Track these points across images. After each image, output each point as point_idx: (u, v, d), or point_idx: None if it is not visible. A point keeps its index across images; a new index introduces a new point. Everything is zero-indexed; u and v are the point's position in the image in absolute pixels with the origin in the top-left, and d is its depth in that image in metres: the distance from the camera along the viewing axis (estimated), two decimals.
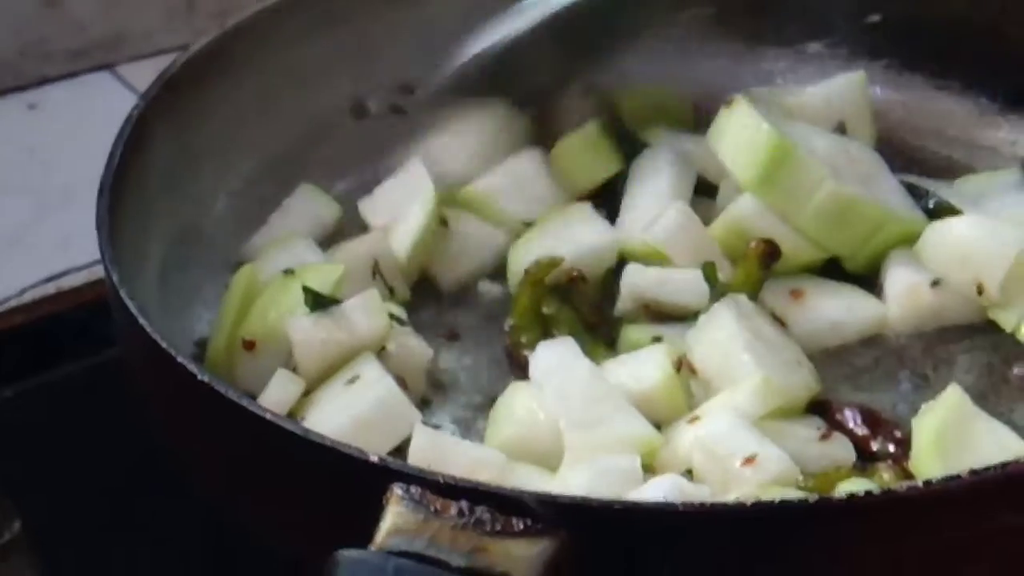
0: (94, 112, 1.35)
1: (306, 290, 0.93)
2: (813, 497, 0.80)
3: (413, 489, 0.74)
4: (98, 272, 1.00)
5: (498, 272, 1.05)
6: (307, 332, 0.93)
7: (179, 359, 0.81)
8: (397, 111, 1.13)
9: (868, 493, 0.75)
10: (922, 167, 1.10)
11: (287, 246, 1.03)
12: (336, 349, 0.92)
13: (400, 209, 1.05)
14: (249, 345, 0.94)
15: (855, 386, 0.96)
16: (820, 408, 0.93)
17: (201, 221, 1.04)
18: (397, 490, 0.74)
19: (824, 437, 0.91)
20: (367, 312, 0.94)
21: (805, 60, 1.18)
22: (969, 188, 1.07)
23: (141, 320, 0.83)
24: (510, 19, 1.15)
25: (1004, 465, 0.73)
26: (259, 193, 1.08)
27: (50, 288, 1.20)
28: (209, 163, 1.05)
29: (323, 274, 0.97)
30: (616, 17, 1.17)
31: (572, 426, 0.88)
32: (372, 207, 1.09)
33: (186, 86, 1.03)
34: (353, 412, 0.89)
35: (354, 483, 0.76)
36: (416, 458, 0.86)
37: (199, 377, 0.80)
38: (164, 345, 0.82)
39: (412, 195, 1.05)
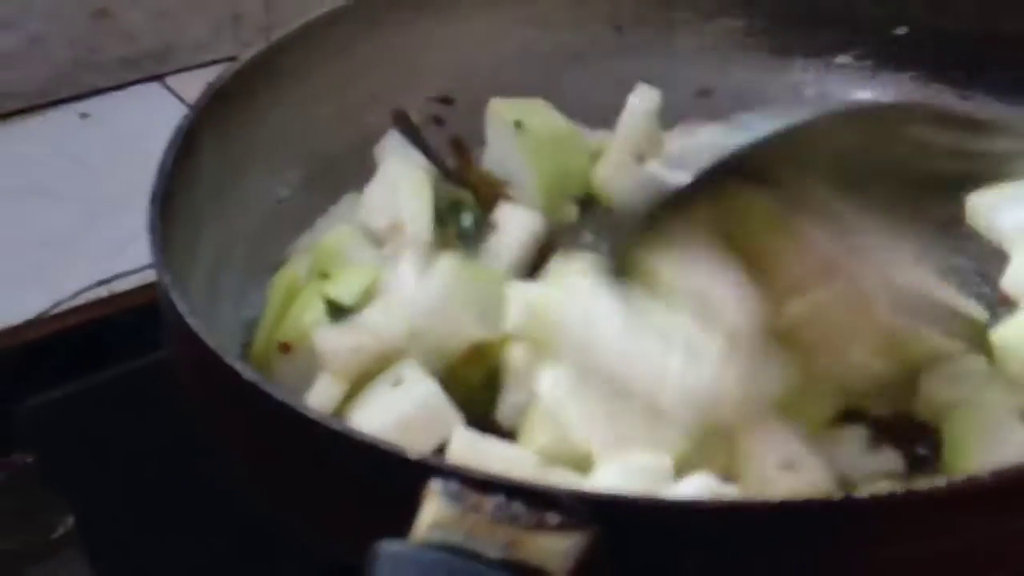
0: (144, 122, 1.38)
1: (327, 301, 0.96)
2: (840, 496, 0.81)
3: (451, 484, 0.75)
4: (148, 276, 1.05)
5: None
6: (332, 341, 0.94)
7: (224, 358, 0.84)
8: (438, 122, 1.16)
9: (891, 493, 0.76)
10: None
11: (332, 248, 1.04)
12: (362, 356, 0.94)
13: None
14: (285, 348, 0.96)
15: None
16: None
17: (249, 227, 1.07)
18: (435, 485, 0.75)
19: (872, 447, 0.91)
20: (387, 318, 0.96)
21: (833, 71, 1.21)
22: (984, 201, 1.06)
23: (190, 321, 0.86)
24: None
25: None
26: (306, 201, 1.11)
27: (102, 292, 1.24)
28: (257, 171, 1.08)
29: (354, 279, 0.99)
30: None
31: (602, 446, 0.89)
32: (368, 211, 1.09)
33: (234, 97, 1.06)
34: (395, 414, 0.91)
35: (394, 479, 0.78)
36: (454, 458, 0.88)
37: (243, 376, 0.83)
38: (211, 345, 0.85)
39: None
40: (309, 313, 0.97)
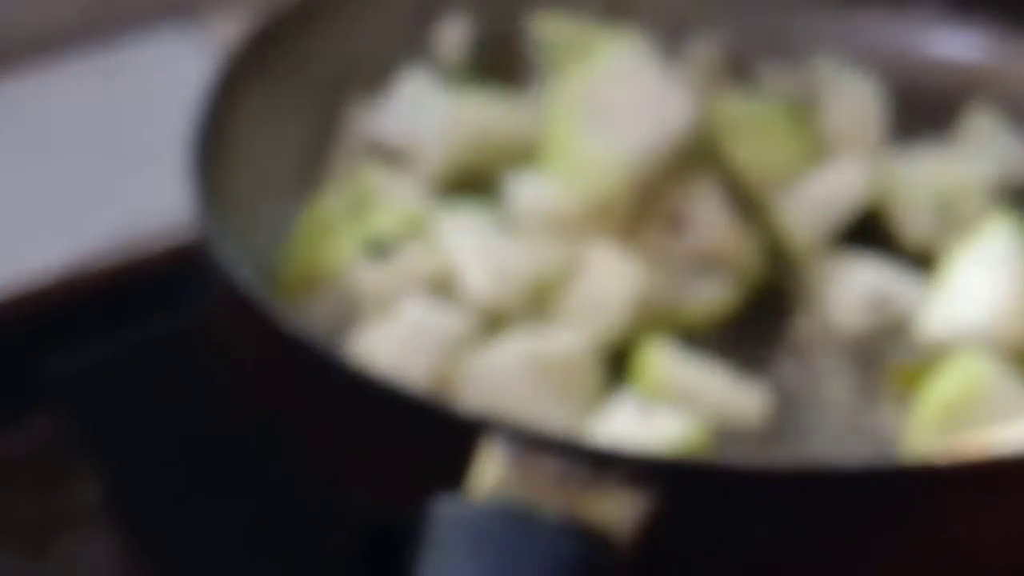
0: (176, 66, 1.35)
1: (366, 240, 0.92)
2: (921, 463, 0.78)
3: (512, 443, 0.73)
4: (178, 234, 1.00)
5: None
6: (366, 279, 0.92)
7: (271, 310, 0.81)
8: None
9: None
10: None
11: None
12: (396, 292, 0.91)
13: None
14: (314, 285, 0.94)
15: None
16: None
17: (292, 176, 1.02)
18: (495, 443, 0.73)
19: None
20: (426, 253, 0.93)
21: (919, 17, 1.11)
22: None
23: (237, 276, 0.83)
24: None
25: None
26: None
27: (129, 247, 1.20)
28: (305, 115, 1.03)
29: (389, 214, 0.96)
30: None
31: None
32: None
33: (275, 37, 1.01)
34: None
35: (449, 436, 0.75)
36: None
37: (289, 330, 0.80)
38: (261, 302, 0.82)
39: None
40: (343, 250, 0.94)
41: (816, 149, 1.00)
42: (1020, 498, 0.74)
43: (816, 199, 0.96)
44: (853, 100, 1.02)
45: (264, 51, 1.01)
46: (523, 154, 0.98)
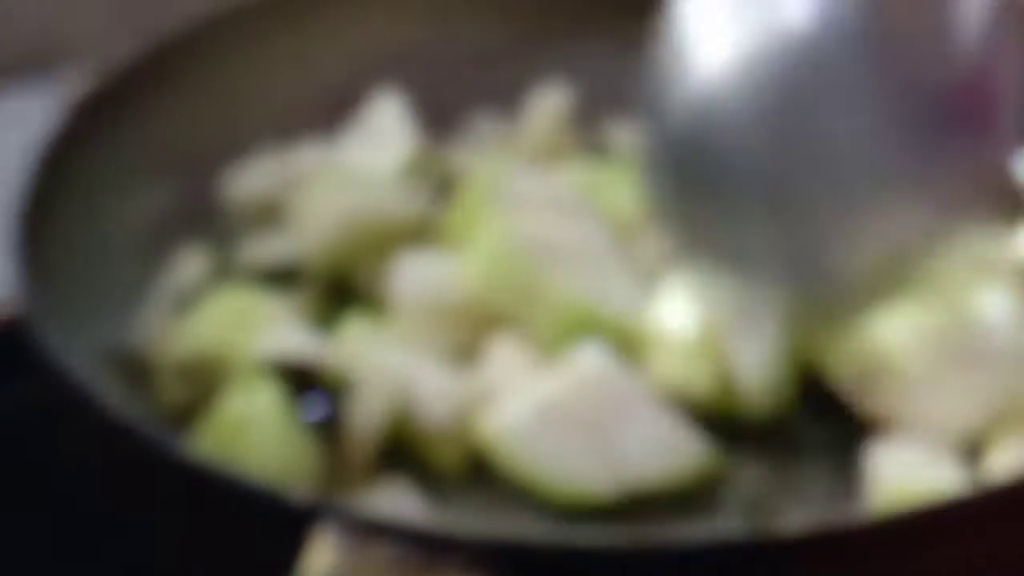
0: (31, 124, 1.32)
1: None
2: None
3: (338, 528, 0.71)
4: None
5: None
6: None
7: (101, 397, 0.79)
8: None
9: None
10: None
11: None
12: None
13: None
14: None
15: None
16: None
17: (130, 242, 0.99)
18: (324, 529, 0.71)
19: None
20: None
21: None
22: None
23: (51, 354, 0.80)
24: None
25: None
26: (194, 211, 1.03)
27: None
28: (139, 180, 1.00)
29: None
30: None
31: None
32: None
33: (110, 103, 0.99)
34: None
35: (278, 522, 0.73)
36: None
37: (110, 412, 0.78)
38: (81, 385, 0.80)
39: None
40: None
41: None
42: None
43: None
44: None
45: (102, 113, 0.98)
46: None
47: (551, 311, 0.90)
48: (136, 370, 0.95)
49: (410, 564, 0.70)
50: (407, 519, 0.73)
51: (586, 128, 1.07)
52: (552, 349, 0.89)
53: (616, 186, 0.99)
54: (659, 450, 0.86)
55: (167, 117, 1.03)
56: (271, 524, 0.73)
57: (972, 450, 0.87)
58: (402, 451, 0.89)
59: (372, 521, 0.72)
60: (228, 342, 0.91)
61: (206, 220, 1.05)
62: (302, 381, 0.86)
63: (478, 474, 0.87)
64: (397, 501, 0.85)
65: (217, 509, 0.76)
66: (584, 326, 0.89)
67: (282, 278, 0.98)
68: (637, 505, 0.85)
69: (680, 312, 0.89)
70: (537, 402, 0.86)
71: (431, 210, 0.99)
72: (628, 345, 0.89)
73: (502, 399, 0.87)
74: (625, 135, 1.10)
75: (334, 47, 1.11)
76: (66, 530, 0.89)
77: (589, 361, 0.87)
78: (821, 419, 0.90)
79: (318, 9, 1.11)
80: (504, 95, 1.11)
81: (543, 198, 0.94)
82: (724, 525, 0.83)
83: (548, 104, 1.05)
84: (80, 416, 0.80)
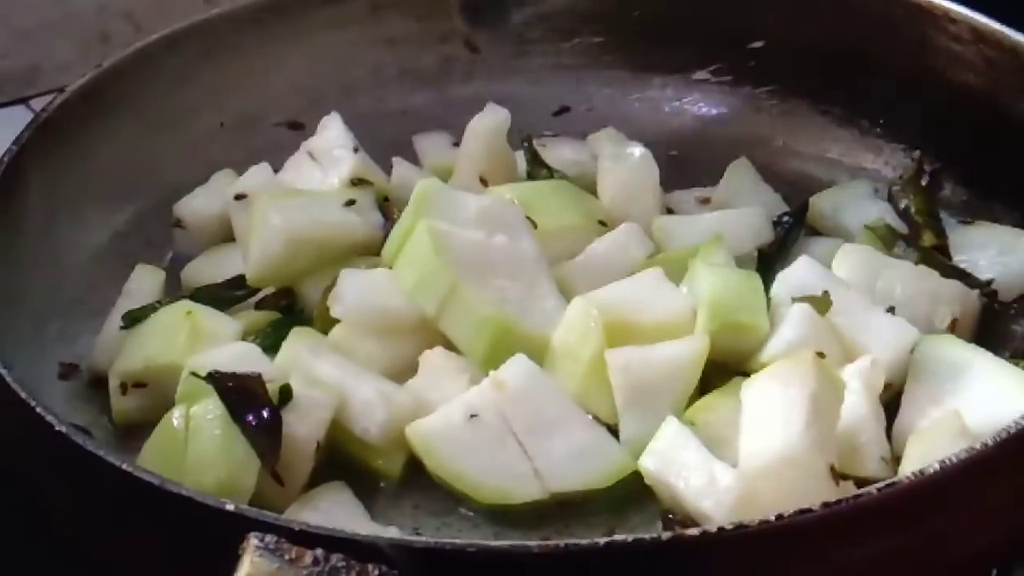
0: (5, 146, 1.34)
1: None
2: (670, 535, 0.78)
3: (268, 538, 0.74)
4: None
5: None
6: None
7: (48, 418, 0.81)
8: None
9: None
10: (805, 191, 1.10)
11: None
12: None
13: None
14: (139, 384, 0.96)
15: None
16: None
17: (81, 267, 1.04)
18: (253, 539, 0.74)
19: None
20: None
21: (691, 86, 1.19)
22: (825, 202, 1.08)
23: (3, 372, 0.84)
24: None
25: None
26: (143, 237, 1.08)
27: None
28: (90, 207, 1.05)
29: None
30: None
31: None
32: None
33: (62, 129, 1.03)
34: None
35: (210, 532, 0.76)
36: None
37: (57, 428, 0.81)
38: (33, 404, 0.82)
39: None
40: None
41: (597, 217, 1.03)
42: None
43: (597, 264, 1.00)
44: (630, 170, 1.06)
45: (55, 138, 1.02)
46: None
47: (474, 324, 0.94)
48: (90, 384, 0.99)
49: (337, 571, 0.73)
50: (334, 528, 0.76)
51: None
52: (477, 360, 0.93)
53: (551, 204, 1.03)
54: (581, 457, 0.90)
55: (119, 142, 1.07)
56: (207, 535, 0.76)
57: None
58: (342, 459, 0.93)
59: (298, 529, 0.74)
60: (175, 357, 0.95)
61: (159, 242, 1.09)
62: (245, 394, 0.89)
63: (416, 479, 0.91)
64: (338, 507, 0.90)
65: (155, 520, 0.79)
66: (504, 338, 0.93)
67: (229, 296, 1.02)
68: (565, 507, 0.89)
69: (584, 329, 0.93)
70: (467, 410, 0.90)
71: (374, 229, 1.03)
72: (542, 358, 0.93)
73: (434, 408, 0.92)
74: (565, 156, 1.15)
75: (281, 74, 1.16)
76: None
77: (516, 373, 0.91)
78: None
79: (266, 36, 1.15)
80: (447, 118, 1.17)
81: (475, 215, 0.98)
82: (644, 526, 0.87)
83: (487, 126, 1.08)
84: (27, 430, 0.83)
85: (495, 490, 0.90)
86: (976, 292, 0.99)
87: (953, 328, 0.96)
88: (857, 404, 0.88)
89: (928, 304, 0.96)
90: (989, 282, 1.01)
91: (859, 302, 0.95)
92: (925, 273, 0.98)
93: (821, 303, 0.94)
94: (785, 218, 1.06)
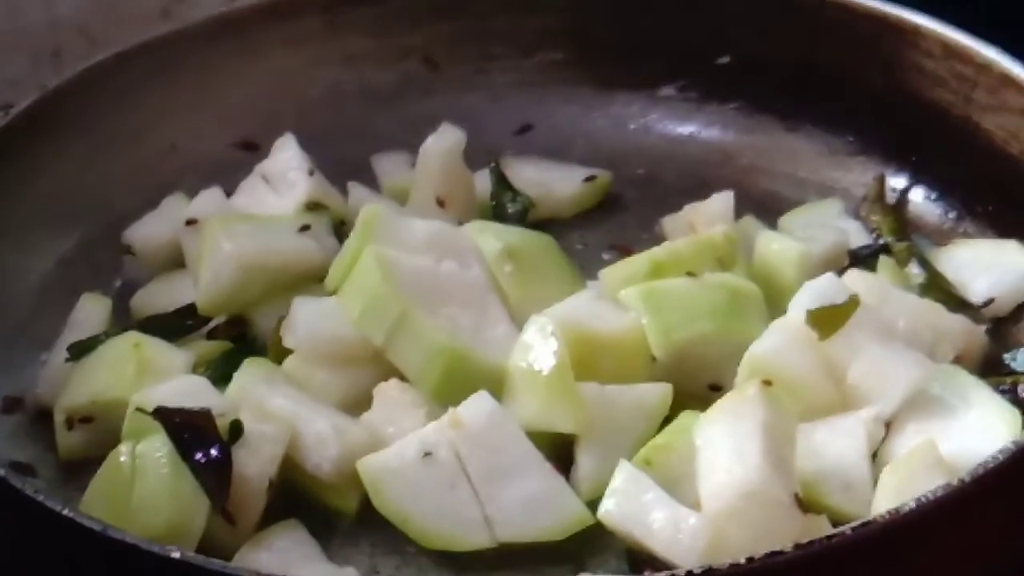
0: None
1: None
2: None
3: None
4: None
5: None
6: None
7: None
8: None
9: None
10: (774, 210, 1.08)
11: None
12: None
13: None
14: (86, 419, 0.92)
15: None
16: None
17: (25, 296, 1.00)
18: None
19: None
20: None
21: (657, 104, 1.16)
22: (795, 221, 1.06)
23: None
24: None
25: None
26: (93, 260, 1.05)
27: None
28: (36, 233, 1.02)
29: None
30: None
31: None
32: None
33: (5, 153, 0.99)
34: None
35: None
36: None
37: (20, 488, 0.78)
38: None
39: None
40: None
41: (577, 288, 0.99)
42: None
43: None
44: None
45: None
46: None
47: (425, 353, 0.90)
48: (35, 419, 0.96)
49: None
50: (288, 574, 0.73)
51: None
52: (427, 390, 0.90)
53: (501, 229, 1.00)
54: (536, 508, 0.86)
55: (65, 164, 1.04)
56: None
57: None
58: (295, 495, 0.89)
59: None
60: (122, 391, 0.91)
61: (107, 268, 1.06)
62: (193, 431, 0.86)
63: (373, 516, 0.88)
64: (292, 547, 0.86)
65: (100, 568, 0.76)
66: (456, 368, 0.90)
67: (179, 326, 0.99)
68: (515, 551, 0.86)
69: (544, 343, 0.90)
70: (421, 447, 0.87)
71: (329, 255, 1.00)
72: (497, 385, 0.90)
73: (390, 443, 0.88)
74: (528, 175, 1.13)
75: (235, 93, 1.13)
76: None
77: (477, 411, 0.88)
78: None
79: (219, 54, 1.12)
80: (407, 137, 1.13)
81: (424, 241, 0.95)
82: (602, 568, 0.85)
83: (442, 147, 1.06)
84: None
85: (442, 536, 0.86)
86: (983, 328, 0.96)
87: (957, 363, 0.93)
88: (854, 449, 0.86)
89: (932, 338, 0.93)
90: (989, 302, 0.98)
91: (878, 327, 0.91)
92: (931, 307, 0.95)
93: (832, 316, 0.90)
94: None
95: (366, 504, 0.88)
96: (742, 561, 0.70)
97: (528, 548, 0.86)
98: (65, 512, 0.75)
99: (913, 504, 0.73)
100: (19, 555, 0.81)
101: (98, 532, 0.74)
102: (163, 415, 0.86)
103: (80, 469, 0.91)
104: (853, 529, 0.72)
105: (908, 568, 0.74)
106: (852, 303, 0.89)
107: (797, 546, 0.71)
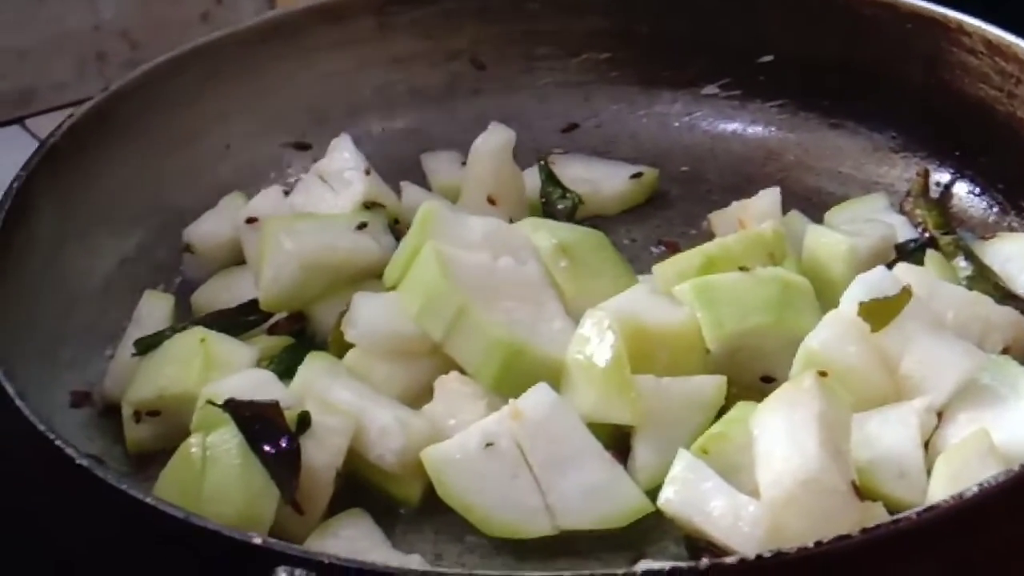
0: (3, 167, 1.33)
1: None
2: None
3: (297, 572, 0.73)
4: None
5: None
6: None
7: (69, 451, 0.80)
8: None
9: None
10: (819, 206, 1.10)
11: None
12: None
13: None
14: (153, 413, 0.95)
15: None
16: None
17: (91, 292, 1.02)
18: (281, 573, 0.73)
19: None
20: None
21: (700, 102, 1.19)
22: (840, 217, 1.08)
23: (19, 403, 0.83)
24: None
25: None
26: (151, 260, 1.07)
27: None
28: (98, 231, 1.04)
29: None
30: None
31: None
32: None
33: (69, 154, 1.01)
34: None
35: (236, 566, 0.75)
36: None
37: (78, 461, 0.80)
38: (52, 437, 0.81)
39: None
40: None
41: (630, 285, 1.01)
42: None
43: None
44: None
45: (63, 164, 1.01)
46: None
47: (483, 346, 0.92)
48: (102, 412, 0.98)
49: None
50: (363, 560, 0.75)
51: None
52: (486, 383, 0.92)
53: (554, 226, 1.02)
54: (596, 496, 0.88)
55: (125, 166, 1.06)
56: (233, 569, 0.75)
57: None
58: (360, 485, 0.91)
59: (328, 561, 0.74)
60: (189, 385, 0.94)
61: (168, 266, 1.08)
62: (263, 423, 0.88)
63: (435, 504, 0.90)
64: (358, 535, 0.88)
65: (180, 554, 0.78)
66: (514, 360, 0.92)
67: (242, 322, 1.01)
68: (575, 538, 0.88)
69: (600, 336, 0.91)
70: (483, 438, 0.88)
71: (386, 252, 1.02)
72: (554, 378, 0.92)
73: (451, 434, 0.90)
74: (576, 173, 1.15)
75: (287, 94, 1.15)
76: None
77: (537, 403, 0.90)
78: None
79: (272, 56, 1.14)
80: (455, 136, 1.16)
81: (480, 238, 0.97)
82: (662, 555, 0.86)
83: (492, 146, 1.08)
84: (45, 464, 0.82)
85: (504, 523, 0.88)
86: None
87: (1005, 354, 0.94)
88: (907, 438, 0.87)
89: (980, 330, 0.94)
90: None
91: (929, 319, 0.93)
92: (979, 299, 0.97)
93: (884, 308, 0.91)
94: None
95: (428, 493, 0.91)
96: (810, 545, 0.72)
97: (588, 535, 0.88)
98: (148, 500, 0.77)
99: (976, 489, 0.75)
100: (97, 544, 0.83)
101: (181, 519, 0.76)
102: (233, 407, 0.88)
103: (147, 461, 0.94)
104: (918, 514, 0.74)
105: (971, 552, 0.76)
106: (904, 295, 0.91)
107: (864, 530, 0.73)
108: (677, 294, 0.95)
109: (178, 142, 1.09)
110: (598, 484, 0.89)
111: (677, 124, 1.19)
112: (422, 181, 1.14)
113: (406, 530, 0.91)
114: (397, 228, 1.05)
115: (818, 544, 0.72)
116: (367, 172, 1.07)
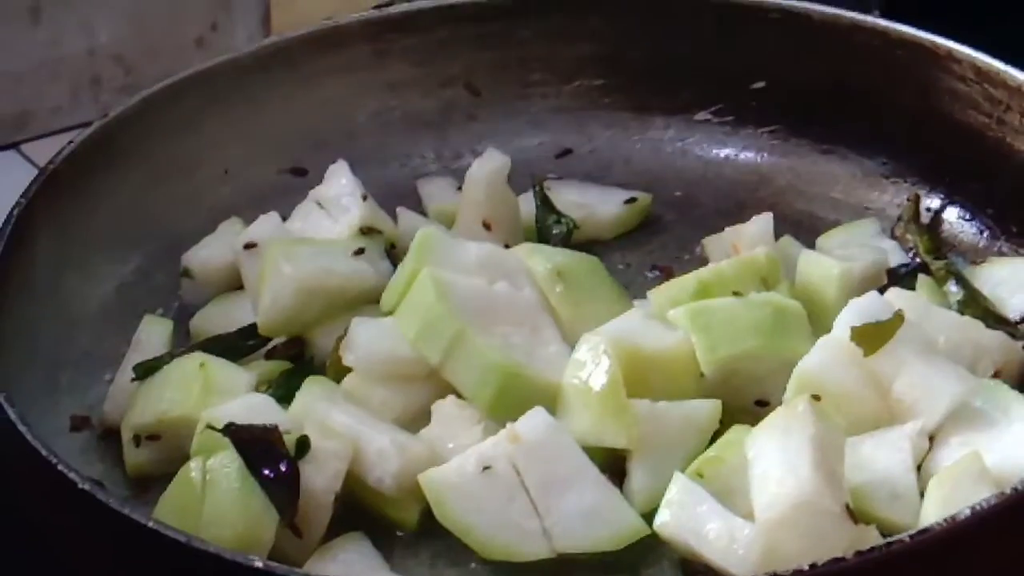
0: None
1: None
2: None
3: None
4: None
5: None
6: None
7: (66, 470, 0.81)
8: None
9: None
10: (811, 231, 1.11)
11: None
12: None
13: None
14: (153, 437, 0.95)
15: None
16: None
17: (90, 317, 1.03)
18: None
19: None
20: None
21: (693, 128, 1.20)
22: (832, 242, 1.09)
23: (21, 427, 0.83)
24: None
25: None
26: (149, 285, 1.08)
27: None
28: (98, 257, 1.05)
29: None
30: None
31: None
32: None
33: (68, 181, 1.02)
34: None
35: None
36: None
37: (80, 485, 0.81)
38: (55, 461, 0.82)
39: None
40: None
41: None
42: None
43: None
44: None
45: (62, 190, 1.02)
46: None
47: (480, 370, 0.93)
48: (102, 436, 0.99)
49: None
50: None
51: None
52: (483, 407, 0.93)
53: (550, 251, 1.03)
54: (592, 520, 0.89)
55: (124, 192, 1.07)
56: None
57: None
58: (358, 508, 0.92)
59: None
60: (189, 409, 0.94)
61: (167, 291, 1.09)
62: (262, 447, 0.89)
63: (433, 528, 0.90)
64: (357, 559, 0.89)
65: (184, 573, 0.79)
66: (511, 384, 0.93)
67: (241, 346, 1.02)
68: (572, 562, 0.89)
69: (596, 360, 0.92)
70: (480, 461, 0.89)
71: (383, 277, 1.03)
72: (550, 402, 0.93)
73: (448, 458, 0.91)
74: (570, 198, 1.15)
75: (284, 123, 1.16)
76: None
77: (534, 426, 0.90)
78: None
79: (269, 83, 1.15)
80: (450, 162, 1.18)
81: (476, 262, 0.98)
82: None
83: (487, 172, 1.09)
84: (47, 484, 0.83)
85: (502, 546, 0.89)
86: (1021, 344, 0.98)
87: (996, 378, 0.95)
88: (900, 461, 0.88)
89: (972, 354, 0.95)
90: None
91: (921, 343, 0.94)
92: (970, 323, 0.98)
93: (877, 332, 0.92)
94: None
95: (426, 516, 0.91)
96: (805, 568, 0.73)
97: (585, 558, 0.89)
98: (151, 524, 0.78)
99: (968, 512, 0.76)
100: (99, 568, 0.84)
101: (183, 543, 0.77)
102: (233, 432, 0.89)
103: (146, 485, 0.95)
104: (911, 536, 0.75)
105: (964, 574, 0.77)
106: (897, 320, 0.92)
107: (858, 553, 0.74)
108: (672, 319, 0.96)
109: (176, 168, 1.10)
110: (595, 507, 0.89)
111: (670, 150, 1.20)
112: (418, 207, 1.15)
113: (404, 553, 0.91)
114: (394, 253, 1.07)
115: (813, 566, 0.73)
116: (364, 198, 1.08)
